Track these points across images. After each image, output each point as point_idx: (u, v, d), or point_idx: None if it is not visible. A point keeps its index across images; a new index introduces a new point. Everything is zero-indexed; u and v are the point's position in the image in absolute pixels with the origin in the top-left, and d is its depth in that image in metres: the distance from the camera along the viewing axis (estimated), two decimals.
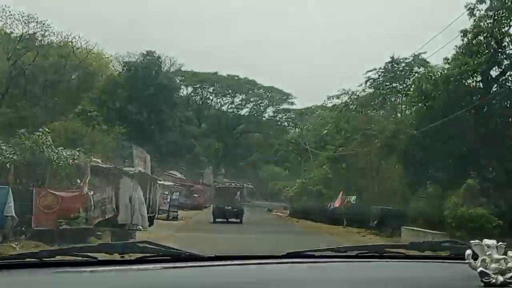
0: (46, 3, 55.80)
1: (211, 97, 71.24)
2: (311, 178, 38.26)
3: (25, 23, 35.65)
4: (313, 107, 70.19)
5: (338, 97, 43.09)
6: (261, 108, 73.19)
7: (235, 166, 74.56)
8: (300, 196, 38.39)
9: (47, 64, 37.79)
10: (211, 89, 69.89)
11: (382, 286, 1.45)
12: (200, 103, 70.42)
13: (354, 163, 31.29)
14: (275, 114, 75.27)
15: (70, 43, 38.41)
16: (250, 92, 70.62)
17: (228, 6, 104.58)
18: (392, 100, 32.42)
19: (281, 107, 73.57)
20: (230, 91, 69.86)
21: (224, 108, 72.11)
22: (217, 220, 26.38)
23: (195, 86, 68.43)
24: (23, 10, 35.39)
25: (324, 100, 44.85)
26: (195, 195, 46.35)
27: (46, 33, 36.47)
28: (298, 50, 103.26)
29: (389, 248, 1.86)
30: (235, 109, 72.70)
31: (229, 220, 26.45)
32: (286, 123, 76.15)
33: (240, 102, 71.91)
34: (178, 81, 64.00)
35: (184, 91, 67.86)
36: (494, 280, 1.25)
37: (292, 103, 71.31)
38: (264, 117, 74.83)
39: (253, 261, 1.72)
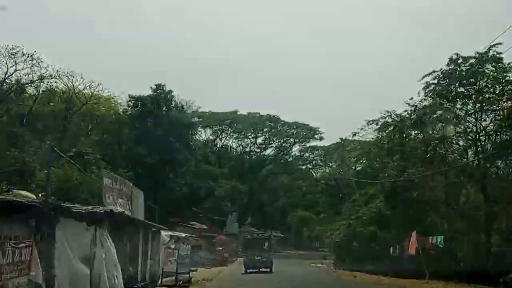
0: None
1: (231, 139, 65.14)
2: (359, 218, 30.64)
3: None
4: (344, 140, 63.54)
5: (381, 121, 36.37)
6: (287, 146, 66.55)
7: (261, 212, 67.18)
8: (347, 242, 30.70)
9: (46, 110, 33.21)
10: (231, 129, 63.90)
11: None
12: (220, 145, 64.40)
13: (419, 194, 23.89)
14: (302, 152, 68.25)
15: (72, 87, 33.45)
16: (273, 130, 64.33)
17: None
18: (459, 107, 25.22)
19: (308, 144, 66.77)
20: (252, 129, 63.77)
21: (247, 149, 65.84)
22: (248, 271, 27.33)
23: (214, 128, 62.55)
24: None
25: (358, 129, 37.72)
26: (219, 248, 39.07)
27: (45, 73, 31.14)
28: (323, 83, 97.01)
29: None
30: (259, 150, 66.36)
31: (261, 270, 27.30)
32: (314, 162, 68.81)
33: (263, 142, 65.53)
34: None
35: (202, 134, 62.31)
36: None
37: (320, 138, 64.52)
38: (291, 156, 68.02)
39: None
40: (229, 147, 64.65)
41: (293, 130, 64.31)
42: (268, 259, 27.86)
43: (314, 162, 67.61)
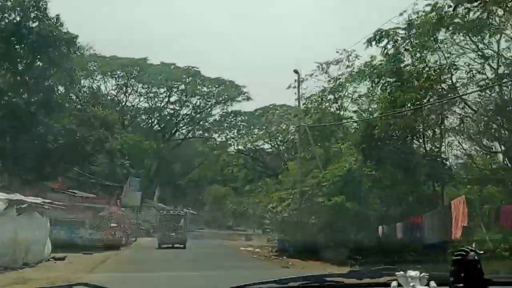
0: None
1: (139, 90, 52.28)
2: (318, 185, 21.47)
3: None
4: (271, 106, 54.38)
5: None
6: (206, 107, 55.27)
7: (172, 185, 56.23)
8: (299, 218, 21.40)
9: None
10: (139, 82, 51.33)
11: None
12: (124, 99, 51.54)
13: None
14: (223, 118, 57.50)
15: None
16: (191, 86, 52.69)
17: None
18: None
19: (231, 107, 56.10)
20: (165, 83, 51.73)
21: (158, 104, 53.45)
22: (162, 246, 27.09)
23: (116, 75, 49.52)
24: None
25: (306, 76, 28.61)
26: (112, 225, 27.91)
27: None
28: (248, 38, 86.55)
29: (329, 277, 1.85)
30: (172, 109, 54.38)
31: (174, 246, 27.23)
32: (237, 129, 58.39)
33: (178, 99, 53.70)
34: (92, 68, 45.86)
35: (102, 85, 49.24)
36: None
37: (248, 98, 54.26)
38: (210, 120, 57.06)
39: None
40: (135, 106, 52.24)
41: (215, 89, 53.41)
42: (183, 236, 28.40)
43: (237, 129, 57.27)
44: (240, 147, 57.79)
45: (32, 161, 24.34)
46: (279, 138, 53.50)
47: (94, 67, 46.71)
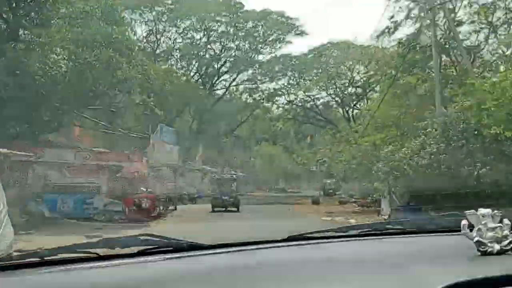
0: None
1: (173, 34, 43.38)
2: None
3: None
4: (328, 44, 44.40)
5: None
6: (252, 49, 45.74)
7: (217, 144, 48.32)
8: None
9: None
10: (172, 19, 41.77)
11: (383, 261, 1.43)
12: (156, 44, 42.99)
13: None
14: (270, 63, 47.93)
15: None
16: (233, 22, 43.17)
17: None
18: None
19: (281, 50, 46.20)
20: (202, 20, 42.46)
21: (196, 50, 43.76)
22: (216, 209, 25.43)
23: (145, 14, 40.60)
24: None
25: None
26: (142, 188, 20.33)
27: None
28: None
29: (389, 225, 1.87)
30: (212, 54, 45.19)
31: (228, 209, 25.81)
32: (287, 78, 48.66)
33: (218, 38, 44.53)
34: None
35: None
36: (491, 249, 1.25)
37: (302, 33, 44.30)
38: (254, 67, 47.54)
39: (254, 247, 1.71)
40: (168, 51, 43.34)
41: (261, 24, 43.68)
42: (236, 199, 27.04)
43: (288, 76, 47.72)
44: (291, 97, 48.87)
45: (22, 104, 16.75)
46: (342, 82, 44.03)
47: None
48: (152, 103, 23.56)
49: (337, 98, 46.22)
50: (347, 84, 44.28)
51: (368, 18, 74.35)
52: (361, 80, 42.10)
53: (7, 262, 1.50)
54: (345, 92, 45.03)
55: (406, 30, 29.93)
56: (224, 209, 25.40)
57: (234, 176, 32.39)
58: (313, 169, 44.18)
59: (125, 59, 17.67)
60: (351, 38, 42.18)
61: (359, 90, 44.23)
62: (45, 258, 1.52)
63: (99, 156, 20.04)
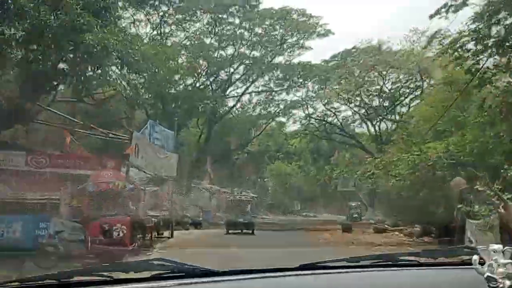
0: None
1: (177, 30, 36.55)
2: None
3: None
4: (353, 49, 39.24)
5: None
6: (268, 54, 40.24)
7: (226, 161, 43.33)
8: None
9: None
10: (175, 12, 34.83)
11: None
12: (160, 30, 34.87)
13: None
14: (286, 73, 42.36)
15: None
16: (244, 20, 37.81)
17: None
18: None
19: (302, 52, 40.37)
20: (210, 15, 36.26)
21: (208, 41, 37.30)
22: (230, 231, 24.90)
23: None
24: None
25: None
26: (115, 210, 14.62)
27: None
28: None
29: (402, 256, 1.85)
30: (223, 58, 39.74)
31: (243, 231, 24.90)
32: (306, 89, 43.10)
33: (231, 34, 37.71)
34: None
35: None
36: (501, 285, 1.24)
37: (326, 33, 38.89)
38: (270, 75, 42.09)
39: (267, 274, 1.71)
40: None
41: (280, 24, 38.67)
42: (250, 221, 26.35)
43: (305, 88, 42.32)
44: (310, 110, 43.88)
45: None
46: (369, 93, 39.07)
47: None
48: (136, 81, 17.80)
49: (362, 111, 41.28)
50: (375, 94, 39.38)
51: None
52: (392, 90, 37.46)
53: (24, 284, 1.53)
54: (372, 105, 40.22)
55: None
56: (240, 231, 24.71)
57: (249, 197, 32.28)
58: (344, 188, 40.38)
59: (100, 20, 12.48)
60: (378, 40, 37.09)
61: (387, 103, 39.51)
62: (62, 280, 1.56)
63: (59, 162, 14.86)
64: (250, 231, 24.48)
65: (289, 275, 1.69)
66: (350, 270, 1.73)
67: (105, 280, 1.56)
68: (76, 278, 1.57)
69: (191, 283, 1.57)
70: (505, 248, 1.29)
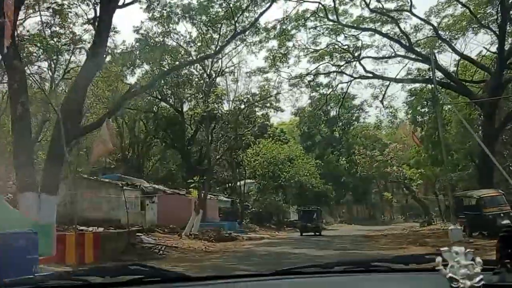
0: None
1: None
2: None
3: None
4: None
5: None
6: None
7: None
8: None
9: None
10: None
11: None
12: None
13: None
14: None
15: None
16: None
17: None
18: None
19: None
20: None
21: None
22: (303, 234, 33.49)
23: None
24: None
25: None
26: None
27: None
28: None
29: (374, 262, 1.90)
30: None
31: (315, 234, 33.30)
32: None
33: None
34: None
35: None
36: (462, 285, 1.30)
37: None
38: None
39: (241, 279, 1.75)
40: None
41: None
42: (317, 226, 34.69)
43: None
44: None
45: None
46: None
47: None
48: None
49: None
50: None
51: None
52: None
53: None
54: None
55: None
56: (311, 233, 33.17)
57: (315, 209, 38.24)
58: None
59: None
60: None
61: None
62: (39, 284, 1.59)
63: None
64: (318, 233, 33.05)
65: (264, 280, 1.72)
66: (324, 275, 1.79)
67: (82, 284, 1.59)
68: (52, 282, 1.59)
69: None
70: (467, 250, 1.35)
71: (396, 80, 30.21)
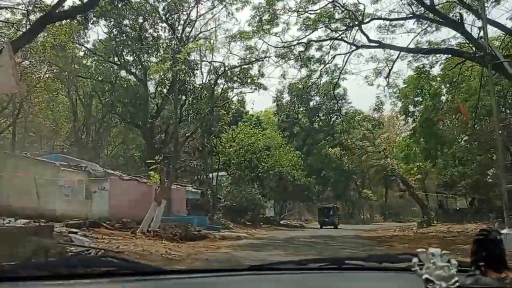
0: None
1: None
2: None
3: None
4: None
5: None
6: None
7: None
8: None
9: None
10: None
11: None
12: None
13: None
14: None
15: None
16: None
17: None
18: None
19: None
20: None
21: None
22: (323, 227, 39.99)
23: None
24: None
25: None
26: None
27: None
28: None
29: (348, 260, 1.91)
30: None
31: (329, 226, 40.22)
32: None
33: None
34: None
35: None
36: (438, 287, 1.30)
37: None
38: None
39: (215, 274, 1.74)
40: None
41: None
42: (333, 221, 40.66)
43: None
44: None
45: None
46: None
47: None
48: None
49: None
50: None
51: None
52: None
53: None
54: None
55: None
56: (329, 226, 39.66)
57: (331, 206, 43.54)
58: None
59: None
60: None
61: None
62: (6, 275, 1.54)
63: None
64: (333, 227, 39.33)
65: (239, 275, 1.72)
66: (298, 272, 1.77)
67: (51, 275, 1.54)
68: (22, 273, 1.55)
69: (138, 280, 1.57)
70: (443, 252, 1.34)
71: (412, 51, 25.09)
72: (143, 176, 26.10)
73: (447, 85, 38.62)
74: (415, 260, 1.36)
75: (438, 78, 39.87)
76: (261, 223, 36.93)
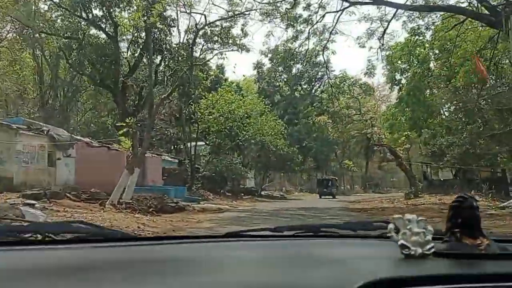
0: None
1: None
2: None
3: None
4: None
5: None
6: None
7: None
8: None
9: None
10: None
11: (313, 261, 1.48)
12: None
13: None
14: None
15: None
16: None
17: None
18: None
19: None
20: None
21: None
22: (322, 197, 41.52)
23: None
24: None
25: None
26: None
27: None
28: None
29: (324, 227, 1.92)
30: None
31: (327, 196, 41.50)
32: None
33: None
34: None
35: None
36: (413, 252, 1.31)
37: None
38: None
39: (190, 240, 1.75)
40: None
41: None
42: (331, 191, 42.51)
43: None
44: None
45: None
46: None
47: None
48: None
49: None
50: None
51: None
52: None
53: None
54: None
55: None
56: (327, 196, 41.18)
57: (329, 178, 46.61)
58: None
59: None
60: None
61: None
62: None
63: None
64: (331, 196, 40.75)
65: (214, 242, 1.71)
66: (274, 239, 1.78)
67: (20, 240, 1.49)
68: None
69: (108, 247, 1.53)
70: (419, 218, 1.33)
71: (409, 8, 23.12)
72: (114, 143, 23.85)
73: (436, 52, 37.09)
74: (391, 226, 1.35)
75: (427, 45, 38.29)
76: (242, 194, 35.30)
